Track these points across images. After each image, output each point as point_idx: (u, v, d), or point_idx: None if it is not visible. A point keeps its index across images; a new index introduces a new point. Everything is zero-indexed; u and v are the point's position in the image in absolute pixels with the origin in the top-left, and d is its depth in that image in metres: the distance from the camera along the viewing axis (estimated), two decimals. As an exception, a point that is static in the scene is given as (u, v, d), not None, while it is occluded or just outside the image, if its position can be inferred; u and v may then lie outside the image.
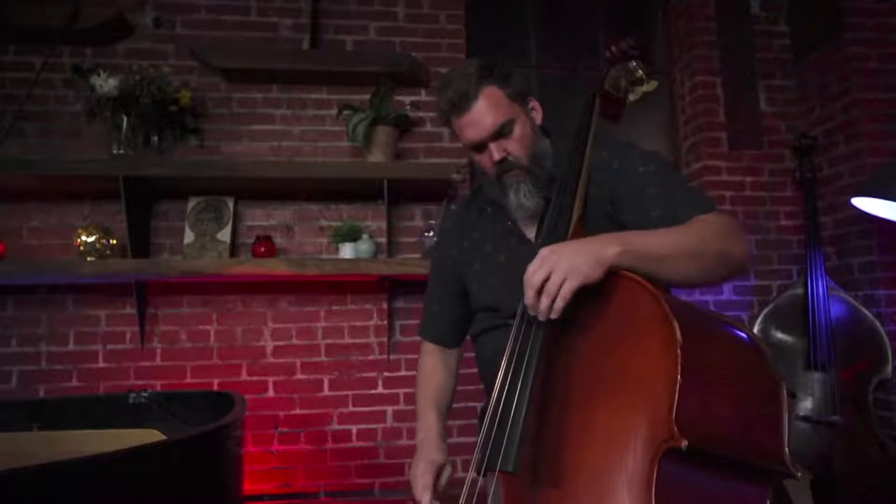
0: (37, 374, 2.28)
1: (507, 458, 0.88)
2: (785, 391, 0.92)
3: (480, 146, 1.21)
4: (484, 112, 1.17)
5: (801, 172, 2.52)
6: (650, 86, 1.20)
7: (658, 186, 1.14)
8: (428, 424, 1.33)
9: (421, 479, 1.18)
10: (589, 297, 0.94)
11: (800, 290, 2.35)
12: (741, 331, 0.96)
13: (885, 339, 2.25)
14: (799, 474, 0.87)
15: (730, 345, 0.94)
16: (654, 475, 0.78)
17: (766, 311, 2.38)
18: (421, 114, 2.55)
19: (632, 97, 1.22)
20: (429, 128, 2.58)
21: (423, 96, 2.56)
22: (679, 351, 0.81)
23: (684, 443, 0.76)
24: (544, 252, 0.94)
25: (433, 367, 1.42)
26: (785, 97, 2.77)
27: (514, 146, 1.19)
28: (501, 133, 1.18)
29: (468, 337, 1.43)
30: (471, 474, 0.98)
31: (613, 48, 1.21)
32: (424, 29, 2.61)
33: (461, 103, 1.18)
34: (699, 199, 1.14)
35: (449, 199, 2.48)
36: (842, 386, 2.23)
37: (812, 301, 2.29)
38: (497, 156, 1.19)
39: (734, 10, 2.75)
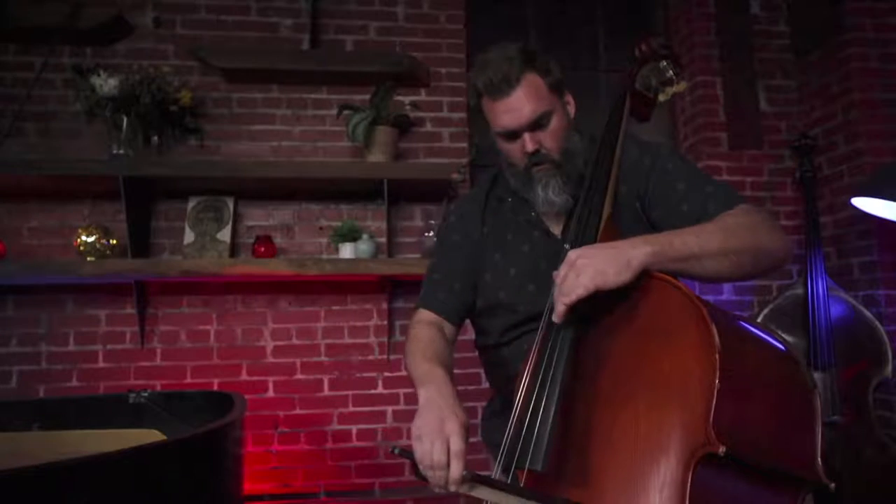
0: (37, 374, 2.28)
1: (535, 458, 0.87)
2: (819, 400, 0.91)
3: (513, 134, 1.17)
4: (524, 100, 1.13)
5: (801, 172, 2.52)
6: (680, 86, 1.19)
7: (686, 182, 1.14)
8: (436, 375, 1.06)
9: (444, 439, 0.90)
10: (620, 297, 0.93)
11: (800, 290, 2.35)
12: (774, 337, 0.95)
13: (885, 339, 2.24)
14: (832, 485, 0.86)
15: (764, 351, 0.93)
16: (690, 480, 0.78)
17: (766, 311, 2.38)
18: (421, 114, 2.55)
19: (661, 98, 1.22)
20: (429, 128, 2.58)
21: (423, 96, 2.56)
22: (717, 356, 0.80)
23: (722, 448, 0.76)
24: (571, 256, 0.94)
25: (432, 335, 1.22)
26: (785, 97, 2.76)
27: (549, 139, 1.16)
28: (538, 124, 1.15)
29: (481, 345, 1.36)
30: (497, 473, 0.97)
31: (644, 47, 1.20)
32: (424, 29, 2.61)
33: (501, 87, 1.13)
34: (728, 193, 1.13)
35: (449, 199, 2.48)
36: (842, 386, 2.23)
37: (812, 301, 2.29)
38: (531, 147, 1.15)
39: (734, 10, 2.74)
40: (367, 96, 2.39)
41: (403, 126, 2.48)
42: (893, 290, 2.36)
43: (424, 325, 1.26)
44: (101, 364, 2.32)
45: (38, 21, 2.29)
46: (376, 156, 2.34)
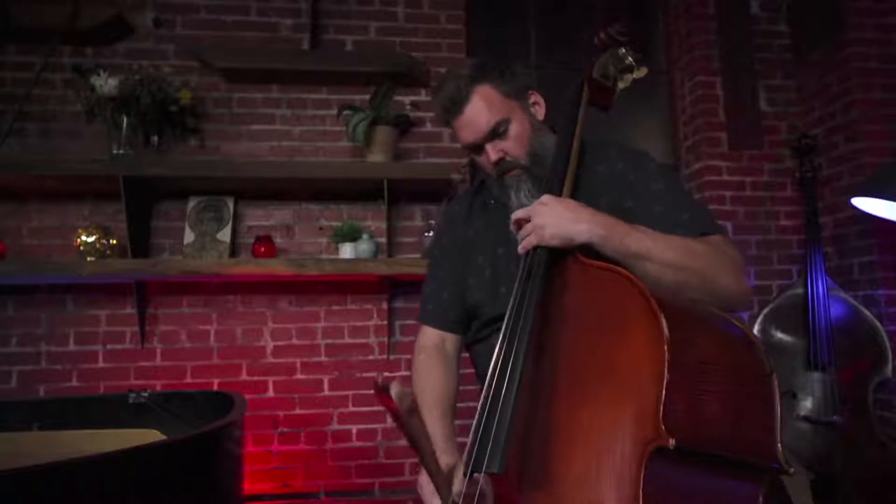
0: (37, 374, 2.28)
1: (492, 459, 0.85)
2: (776, 383, 0.90)
3: (478, 147, 1.20)
4: (476, 113, 1.16)
5: (801, 172, 2.52)
6: (640, 72, 1.16)
7: (664, 205, 1.12)
8: (430, 430, 1.27)
9: (427, 486, 1.11)
10: (578, 291, 0.93)
11: (800, 290, 2.35)
12: (731, 323, 0.94)
13: (885, 339, 2.24)
14: (792, 469, 0.85)
15: (719, 338, 0.92)
16: (642, 475, 0.76)
17: (766, 311, 2.38)
18: (421, 114, 2.55)
19: (621, 85, 1.18)
20: (429, 128, 2.58)
21: (423, 96, 2.56)
22: (666, 346, 0.79)
23: (672, 441, 0.74)
24: (543, 199, 1.01)
25: (430, 366, 1.34)
26: (785, 97, 2.76)
27: (511, 145, 1.18)
28: (496, 133, 1.17)
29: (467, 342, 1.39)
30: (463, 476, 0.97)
31: (602, 35, 1.18)
32: (424, 29, 2.61)
33: (453, 107, 1.17)
34: (704, 220, 1.11)
35: (449, 199, 2.48)
36: (842, 386, 2.23)
37: (812, 301, 2.29)
38: (494, 157, 1.18)
39: (734, 10, 2.74)
40: (367, 96, 2.39)
41: (403, 126, 2.48)
42: (893, 290, 2.36)
43: (424, 353, 1.34)
44: (101, 364, 2.32)
45: (38, 21, 2.29)
46: (376, 156, 2.34)
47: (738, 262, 1.05)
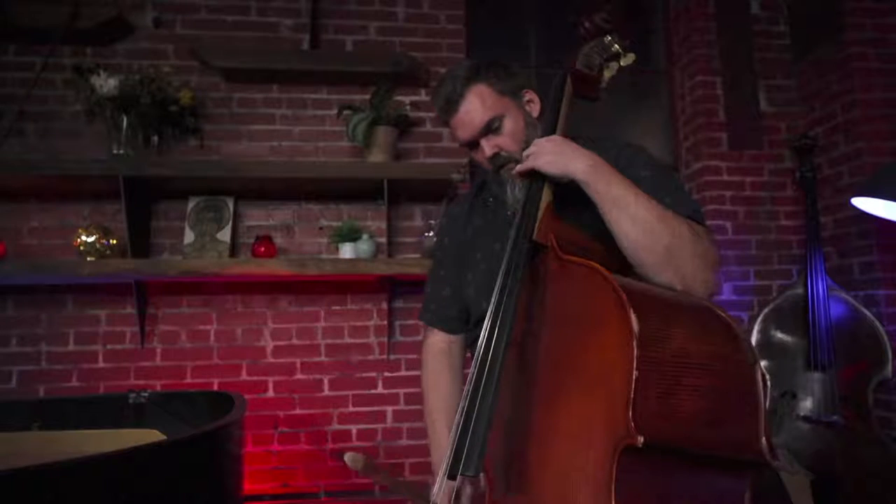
0: (37, 374, 2.28)
1: (468, 463, 0.85)
2: (760, 374, 0.87)
3: (473, 144, 1.22)
4: (471, 111, 1.19)
5: (801, 172, 2.52)
6: (627, 59, 1.14)
7: (649, 189, 1.10)
8: (439, 440, 1.31)
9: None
10: (557, 288, 0.92)
11: (800, 290, 2.35)
12: (713, 313, 0.91)
13: (885, 339, 2.24)
14: (776, 462, 0.84)
15: (698, 331, 0.88)
16: (614, 475, 0.75)
17: (766, 311, 2.38)
18: (421, 114, 2.55)
19: (607, 74, 1.16)
20: (429, 128, 2.58)
21: (423, 96, 2.56)
22: (635, 342, 0.77)
23: (640, 439, 0.73)
24: (541, 140, 1.07)
25: (439, 371, 1.38)
26: (785, 97, 2.76)
27: (506, 141, 1.20)
28: (490, 129, 1.19)
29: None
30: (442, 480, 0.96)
31: (587, 24, 1.16)
32: (424, 29, 2.61)
33: (449, 106, 1.20)
34: (688, 207, 1.11)
35: (449, 199, 2.48)
36: (842, 386, 2.23)
37: (812, 301, 2.29)
38: (488, 151, 1.20)
39: (734, 10, 2.75)
40: (367, 96, 2.39)
41: (403, 126, 2.48)
42: (893, 290, 2.36)
43: (432, 357, 1.39)
44: (101, 364, 2.32)
45: (38, 21, 2.29)
46: (376, 156, 2.34)
47: (710, 254, 1.02)
